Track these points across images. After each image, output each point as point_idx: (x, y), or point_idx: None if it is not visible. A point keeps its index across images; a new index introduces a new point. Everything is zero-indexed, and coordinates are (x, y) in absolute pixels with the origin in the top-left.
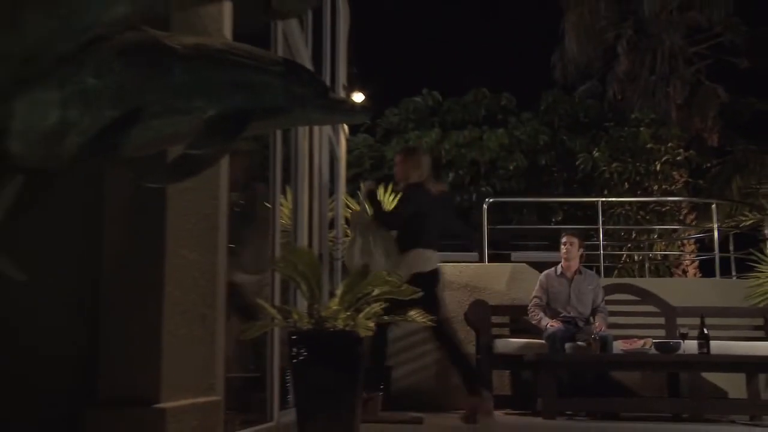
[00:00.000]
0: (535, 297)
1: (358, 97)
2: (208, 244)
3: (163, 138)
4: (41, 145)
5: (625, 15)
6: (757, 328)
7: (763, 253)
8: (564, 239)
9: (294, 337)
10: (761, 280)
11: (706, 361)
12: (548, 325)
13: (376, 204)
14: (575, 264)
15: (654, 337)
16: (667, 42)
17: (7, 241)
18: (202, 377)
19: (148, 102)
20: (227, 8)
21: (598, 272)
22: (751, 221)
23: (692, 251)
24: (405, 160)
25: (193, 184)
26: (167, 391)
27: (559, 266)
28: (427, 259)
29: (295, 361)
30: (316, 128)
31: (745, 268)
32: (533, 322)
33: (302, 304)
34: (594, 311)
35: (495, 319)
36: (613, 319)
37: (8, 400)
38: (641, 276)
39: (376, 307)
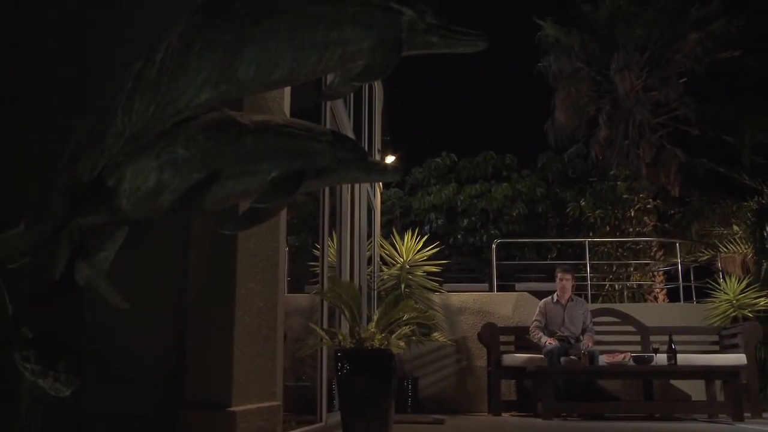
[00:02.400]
0: (536, 320)
1: (390, 159)
2: (270, 278)
3: (236, 194)
4: (143, 202)
5: (603, 93)
6: (713, 343)
7: (716, 282)
8: (559, 274)
9: (339, 353)
10: (716, 304)
11: (674, 370)
12: (547, 343)
13: None
14: (568, 293)
15: (632, 352)
16: (636, 115)
17: (116, 275)
18: (265, 386)
19: (224, 166)
20: (287, 92)
21: (585, 299)
22: (707, 257)
23: (661, 281)
24: None
25: (258, 230)
26: (237, 396)
27: (555, 295)
28: None
29: (339, 373)
30: (356, 185)
31: (703, 294)
32: (534, 340)
33: (345, 327)
34: (583, 331)
35: (503, 338)
36: (598, 337)
37: (117, 396)
38: (621, 302)
39: (406, 329)
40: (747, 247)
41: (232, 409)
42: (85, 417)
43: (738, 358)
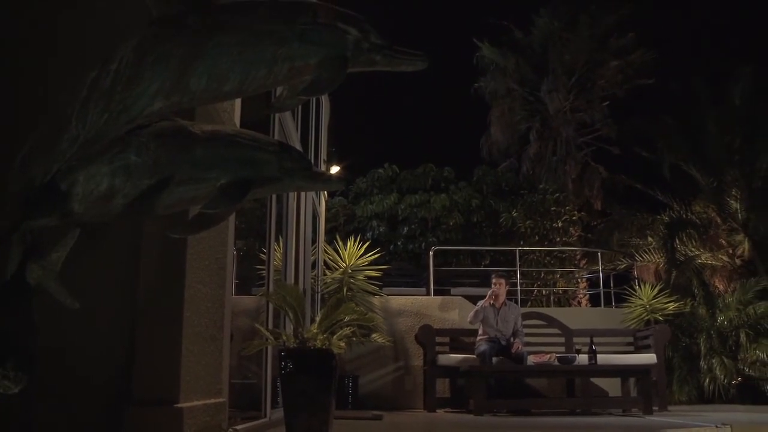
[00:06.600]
0: (475, 308)
1: (334, 169)
2: (217, 280)
3: (186, 200)
4: (95, 206)
5: (534, 113)
6: (628, 344)
7: (633, 289)
8: (494, 280)
9: (283, 353)
10: (632, 309)
11: (594, 369)
12: (479, 345)
13: None
14: (502, 297)
15: (557, 352)
16: (564, 133)
17: (66, 276)
18: (212, 383)
19: (175, 173)
20: (237, 103)
21: (516, 302)
22: (625, 265)
23: (584, 287)
24: None
25: (207, 234)
26: (184, 394)
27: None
28: None
29: (283, 371)
30: (302, 193)
31: (621, 300)
32: (472, 316)
33: (290, 328)
34: (514, 334)
35: (438, 339)
36: (527, 339)
37: (67, 395)
38: (548, 306)
39: (347, 330)
40: (659, 256)
41: (179, 405)
42: (34, 415)
43: (649, 358)
